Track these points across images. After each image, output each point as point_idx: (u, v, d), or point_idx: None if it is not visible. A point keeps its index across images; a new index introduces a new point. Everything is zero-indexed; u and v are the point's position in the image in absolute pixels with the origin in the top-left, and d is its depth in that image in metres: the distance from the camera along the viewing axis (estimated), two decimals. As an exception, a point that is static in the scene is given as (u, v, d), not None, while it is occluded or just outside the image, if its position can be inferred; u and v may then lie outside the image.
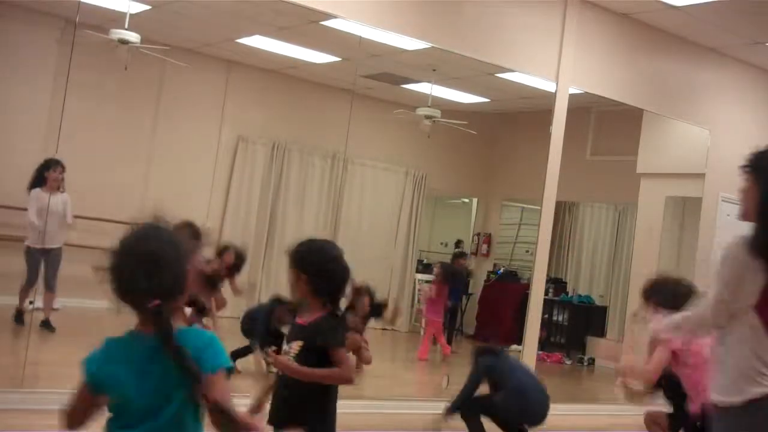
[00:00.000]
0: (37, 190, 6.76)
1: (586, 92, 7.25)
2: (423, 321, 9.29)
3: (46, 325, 6.62)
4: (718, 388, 2.62)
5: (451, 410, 4.78)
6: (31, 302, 6.50)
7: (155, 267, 1.90)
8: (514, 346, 7.63)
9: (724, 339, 2.62)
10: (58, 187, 6.78)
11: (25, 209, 6.98)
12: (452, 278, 8.71)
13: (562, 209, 9.90)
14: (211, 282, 7.23)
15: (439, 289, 8.45)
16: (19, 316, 6.63)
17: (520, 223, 10.63)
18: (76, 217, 6.89)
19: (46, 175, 6.78)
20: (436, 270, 8.70)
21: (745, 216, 2.62)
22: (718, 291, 2.57)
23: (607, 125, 9.28)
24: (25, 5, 7.41)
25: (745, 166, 2.64)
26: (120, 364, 1.94)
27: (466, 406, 4.80)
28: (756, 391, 2.50)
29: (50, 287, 6.72)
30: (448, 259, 9.89)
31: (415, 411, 5.74)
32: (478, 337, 9.74)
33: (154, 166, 8.49)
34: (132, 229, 1.98)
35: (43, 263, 6.71)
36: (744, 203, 2.63)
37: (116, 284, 1.94)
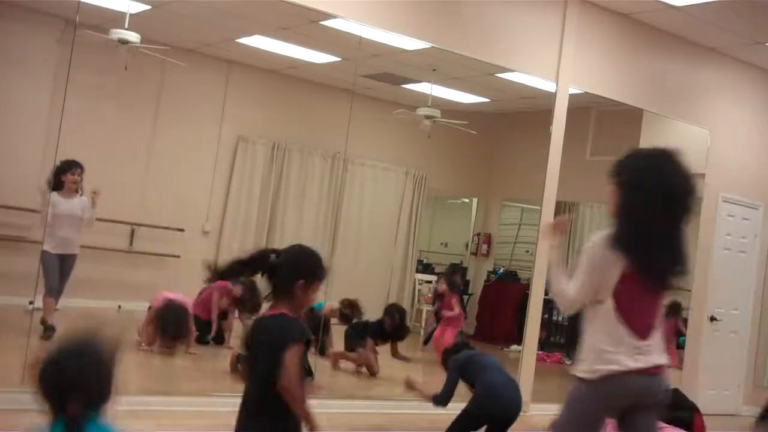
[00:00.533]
0: (54, 195, 6.49)
1: (586, 92, 7.25)
2: (423, 321, 9.29)
3: (46, 328, 6.50)
4: (578, 363, 3.03)
5: None
6: (31, 302, 6.48)
7: (78, 381, 2.11)
8: (514, 346, 7.64)
9: (588, 321, 3.01)
10: (76, 190, 6.59)
11: (25, 209, 6.99)
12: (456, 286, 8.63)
13: (562, 209, 9.89)
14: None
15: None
16: (47, 328, 6.35)
17: (520, 223, 10.62)
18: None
19: (63, 178, 6.55)
20: (441, 288, 8.51)
21: (612, 214, 3.02)
22: (582, 279, 2.97)
23: (607, 125, 9.27)
24: (25, 5, 7.41)
25: (610, 172, 3.03)
26: None
27: None
28: (605, 368, 2.92)
29: (59, 292, 6.56)
30: (447, 259, 9.89)
31: (415, 411, 5.74)
32: (478, 337, 9.74)
33: (154, 166, 8.48)
34: (64, 344, 2.19)
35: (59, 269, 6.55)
36: (611, 203, 3.04)
37: (41, 387, 2.13)
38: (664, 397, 3.06)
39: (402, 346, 7.53)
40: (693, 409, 5.29)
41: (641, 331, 2.95)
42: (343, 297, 7.47)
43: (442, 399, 5.11)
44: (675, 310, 7.80)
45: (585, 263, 2.99)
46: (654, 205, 2.91)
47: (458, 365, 5.18)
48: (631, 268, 2.91)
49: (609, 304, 2.94)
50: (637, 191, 2.94)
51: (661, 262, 2.95)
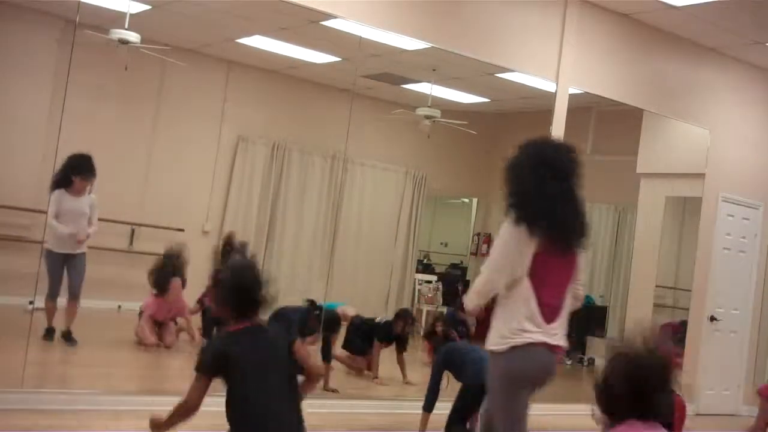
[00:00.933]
0: (60, 192, 6.26)
1: (586, 92, 7.26)
2: (423, 322, 9.28)
3: (67, 337, 6.33)
4: (492, 339, 3.37)
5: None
6: (31, 302, 6.47)
7: None
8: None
9: (500, 303, 3.33)
10: (87, 189, 6.39)
11: (25, 209, 6.99)
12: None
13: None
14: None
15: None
16: (49, 333, 6.26)
17: (520, 223, 10.61)
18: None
19: (73, 178, 6.30)
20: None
21: (510, 202, 3.36)
22: (498, 262, 3.31)
23: (607, 125, 9.27)
24: (25, 5, 7.41)
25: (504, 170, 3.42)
26: None
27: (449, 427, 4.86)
28: (518, 340, 3.26)
29: (74, 295, 6.35)
30: (447, 259, 9.88)
31: (415, 411, 5.74)
32: (478, 338, 9.73)
33: (154, 166, 8.48)
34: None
35: (65, 270, 6.32)
36: (505, 194, 3.42)
37: None
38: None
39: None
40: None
41: (549, 314, 3.29)
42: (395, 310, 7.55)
43: (426, 400, 5.08)
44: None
45: (500, 246, 3.31)
46: (541, 178, 3.26)
47: (440, 357, 5.17)
48: (540, 244, 3.23)
49: (525, 283, 3.25)
50: (525, 171, 3.33)
51: (564, 226, 3.28)
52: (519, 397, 3.36)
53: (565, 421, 6.54)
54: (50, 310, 6.24)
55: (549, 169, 3.29)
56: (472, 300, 3.44)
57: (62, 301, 6.31)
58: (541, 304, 3.28)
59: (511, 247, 3.29)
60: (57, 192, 6.24)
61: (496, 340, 3.36)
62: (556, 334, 3.35)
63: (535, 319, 3.27)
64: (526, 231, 3.24)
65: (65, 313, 6.32)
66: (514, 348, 3.28)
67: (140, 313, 6.87)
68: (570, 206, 3.32)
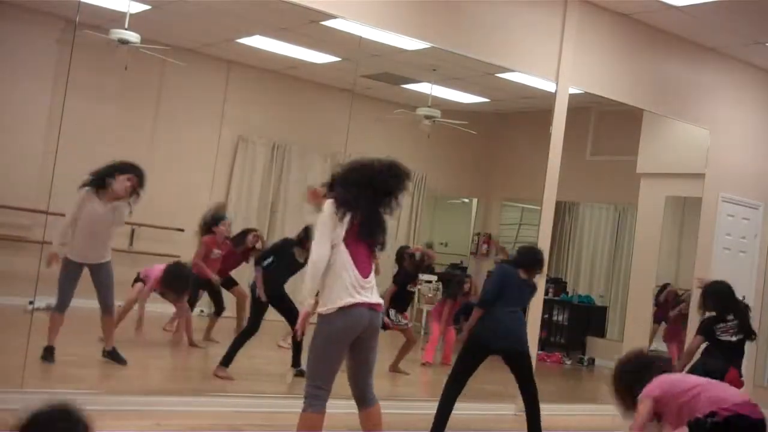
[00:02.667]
0: (88, 192, 5.62)
1: (586, 92, 7.25)
2: (423, 322, 9.28)
3: (113, 355, 5.91)
4: (322, 302, 3.86)
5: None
6: (31, 302, 6.45)
7: None
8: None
9: (329, 266, 3.85)
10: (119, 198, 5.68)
11: (25, 209, 6.98)
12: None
13: (562, 209, 9.89)
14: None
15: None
16: (48, 354, 5.64)
17: (520, 223, 10.62)
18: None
19: (109, 181, 5.65)
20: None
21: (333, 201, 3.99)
22: (321, 233, 3.88)
23: (607, 125, 9.28)
24: (25, 5, 7.41)
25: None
26: None
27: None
28: (345, 301, 3.80)
29: (107, 310, 5.84)
30: (447, 259, 9.87)
31: (415, 411, 5.73)
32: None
33: (154, 166, 8.46)
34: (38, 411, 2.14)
35: (92, 282, 5.77)
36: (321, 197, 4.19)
37: None
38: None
39: (401, 346, 7.52)
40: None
41: (363, 272, 3.90)
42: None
43: (483, 297, 5.35)
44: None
45: (323, 221, 3.91)
46: (358, 189, 4.00)
47: (500, 270, 5.40)
48: (351, 227, 3.92)
49: (344, 251, 3.86)
50: (349, 183, 4.05)
51: (369, 228, 3.99)
52: (339, 355, 3.94)
53: (565, 421, 6.54)
54: (54, 324, 5.65)
55: (367, 183, 4.08)
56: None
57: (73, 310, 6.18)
58: (356, 265, 3.94)
59: (330, 226, 4.00)
60: (83, 192, 5.63)
61: (325, 305, 3.92)
62: (371, 291, 3.99)
63: (353, 281, 3.92)
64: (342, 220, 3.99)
65: (102, 329, 5.92)
66: (339, 310, 3.85)
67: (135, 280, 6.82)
68: (374, 222, 4.04)
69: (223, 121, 8.90)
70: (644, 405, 3.54)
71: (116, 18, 6.85)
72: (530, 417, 5.22)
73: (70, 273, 5.67)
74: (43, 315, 6.32)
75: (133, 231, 7.70)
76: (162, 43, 7.30)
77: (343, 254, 3.88)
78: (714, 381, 3.74)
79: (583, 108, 7.93)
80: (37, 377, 5.30)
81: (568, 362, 9.68)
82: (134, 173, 5.76)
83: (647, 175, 8.83)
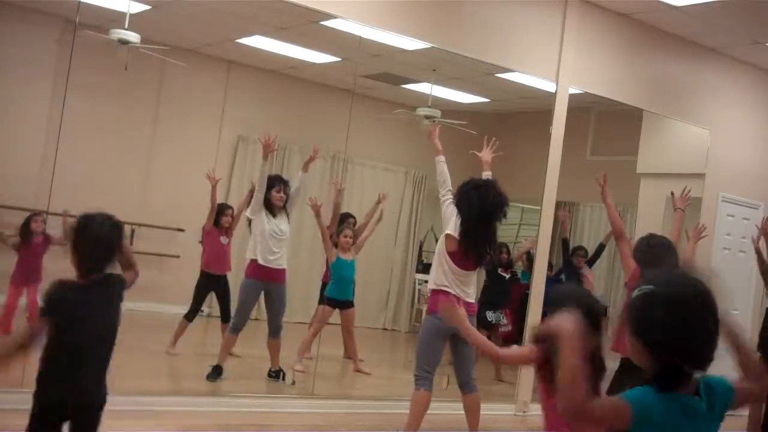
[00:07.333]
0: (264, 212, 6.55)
1: (586, 92, 7.25)
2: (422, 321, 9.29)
3: (279, 376, 6.31)
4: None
5: None
6: (30, 302, 6.48)
7: None
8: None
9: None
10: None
11: (25, 209, 6.96)
12: None
13: (562, 209, 9.89)
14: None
15: None
16: (216, 371, 6.20)
17: (520, 223, 10.61)
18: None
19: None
20: None
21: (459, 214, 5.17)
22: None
23: (607, 125, 9.27)
24: (25, 5, 7.41)
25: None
26: None
27: None
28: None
29: (229, 322, 6.47)
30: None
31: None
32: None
33: (154, 166, 8.49)
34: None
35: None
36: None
37: None
38: None
39: (402, 346, 7.50)
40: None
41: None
42: None
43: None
44: None
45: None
46: (475, 211, 4.97)
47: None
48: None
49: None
50: (467, 204, 5.03)
51: (476, 246, 5.03)
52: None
53: (565, 421, 6.53)
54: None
55: (482, 209, 5.07)
56: None
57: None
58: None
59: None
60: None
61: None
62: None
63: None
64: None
65: (270, 353, 6.33)
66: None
67: None
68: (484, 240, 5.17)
69: (223, 121, 8.90)
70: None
71: (116, 18, 6.85)
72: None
73: (252, 292, 6.38)
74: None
75: (133, 231, 7.69)
76: (162, 43, 7.30)
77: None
78: None
79: (583, 108, 7.93)
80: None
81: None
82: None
83: (647, 175, 8.83)
